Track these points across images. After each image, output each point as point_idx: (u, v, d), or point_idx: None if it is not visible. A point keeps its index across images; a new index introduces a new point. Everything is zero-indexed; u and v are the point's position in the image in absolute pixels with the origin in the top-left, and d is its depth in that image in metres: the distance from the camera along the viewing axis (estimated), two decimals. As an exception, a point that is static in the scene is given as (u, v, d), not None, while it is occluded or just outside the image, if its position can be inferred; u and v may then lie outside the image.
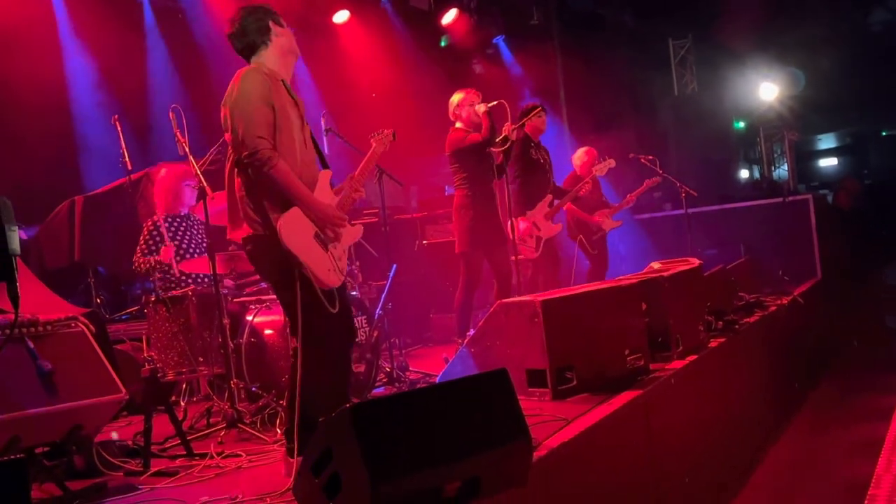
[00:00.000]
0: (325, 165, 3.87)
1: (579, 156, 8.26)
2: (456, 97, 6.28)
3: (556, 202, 7.17)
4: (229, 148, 3.62)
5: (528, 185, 6.96)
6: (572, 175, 8.16)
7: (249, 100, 3.47)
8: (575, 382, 4.25)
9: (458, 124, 6.25)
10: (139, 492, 3.58)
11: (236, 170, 3.59)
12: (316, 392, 3.52)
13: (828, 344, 8.50)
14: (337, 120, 5.83)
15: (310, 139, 3.78)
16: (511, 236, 6.28)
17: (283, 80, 3.69)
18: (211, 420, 4.75)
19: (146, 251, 5.51)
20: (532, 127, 7.09)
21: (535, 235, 6.94)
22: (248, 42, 3.68)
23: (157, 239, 5.53)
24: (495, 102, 6.09)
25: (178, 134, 4.69)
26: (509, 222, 6.23)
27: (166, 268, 5.45)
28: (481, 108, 6.07)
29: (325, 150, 4.25)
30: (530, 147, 7.02)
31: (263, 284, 5.60)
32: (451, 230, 8.94)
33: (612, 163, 7.68)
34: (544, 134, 7.34)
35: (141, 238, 5.59)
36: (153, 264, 5.41)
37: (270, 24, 3.70)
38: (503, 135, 6.20)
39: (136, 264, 5.51)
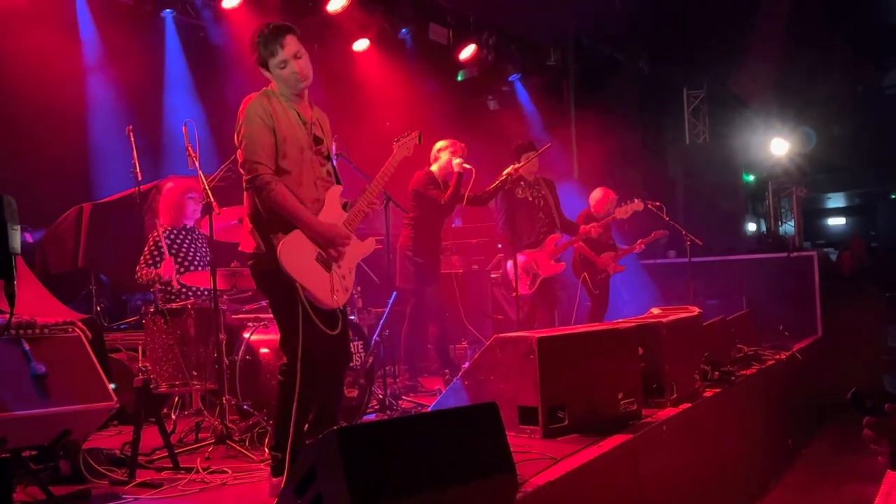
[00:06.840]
0: (336, 181, 3.90)
1: (596, 195, 8.19)
2: (441, 143, 6.59)
3: (564, 239, 7.15)
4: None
5: (511, 222, 6.81)
6: (585, 212, 8.12)
7: (251, 127, 3.58)
8: (566, 422, 4.24)
9: (433, 167, 6.54)
10: (122, 501, 3.58)
11: (245, 189, 3.67)
12: (304, 413, 3.54)
13: (824, 402, 8.45)
14: (348, 145, 5.91)
15: (321, 157, 3.80)
16: (510, 273, 6.30)
17: (293, 100, 3.73)
18: (200, 435, 4.74)
19: (149, 262, 5.54)
20: (528, 167, 7.04)
21: (533, 272, 6.93)
22: (258, 59, 3.71)
23: (162, 251, 5.56)
24: (469, 167, 6.37)
25: (189, 148, 4.74)
26: (508, 261, 6.29)
27: (166, 282, 5.47)
28: (458, 163, 6.33)
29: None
30: (517, 186, 6.92)
31: (263, 302, 5.61)
32: (454, 262, 8.99)
33: (638, 206, 7.59)
34: (553, 172, 7.38)
35: (145, 249, 5.62)
36: (154, 277, 5.44)
37: (280, 44, 3.64)
38: (505, 173, 6.42)
39: (138, 275, 5.54)
